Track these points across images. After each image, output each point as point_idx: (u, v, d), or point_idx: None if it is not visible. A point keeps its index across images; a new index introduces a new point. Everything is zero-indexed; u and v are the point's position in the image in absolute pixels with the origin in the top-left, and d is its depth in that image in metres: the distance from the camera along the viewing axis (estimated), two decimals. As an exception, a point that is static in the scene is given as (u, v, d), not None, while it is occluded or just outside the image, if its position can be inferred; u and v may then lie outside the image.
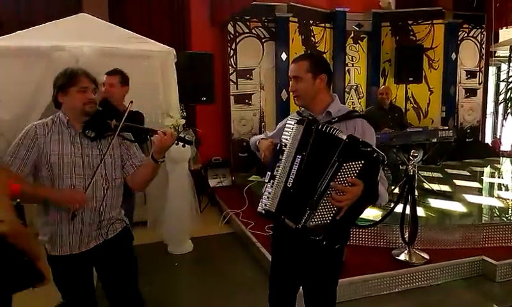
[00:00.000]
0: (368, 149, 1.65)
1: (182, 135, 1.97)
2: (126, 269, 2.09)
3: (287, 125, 1.85)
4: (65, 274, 1.97)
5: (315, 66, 1.92)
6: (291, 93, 1.98)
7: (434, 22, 7.18)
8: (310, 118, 1.84)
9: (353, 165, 1.65)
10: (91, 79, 1.95)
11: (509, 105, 7.90)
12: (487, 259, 3.51)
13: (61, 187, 1.86)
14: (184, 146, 2.00)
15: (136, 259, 2.14)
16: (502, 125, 8.46)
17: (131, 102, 2.03)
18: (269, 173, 1.81)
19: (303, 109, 2.02)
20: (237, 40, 6.40)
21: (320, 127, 1.73)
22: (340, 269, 2.08)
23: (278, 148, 1.82)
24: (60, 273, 1.97)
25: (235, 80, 6.47)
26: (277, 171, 1.79)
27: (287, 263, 2.06)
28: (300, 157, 1.74)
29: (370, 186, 1.68)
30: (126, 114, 1.96)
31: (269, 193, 1.80)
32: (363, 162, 1.64)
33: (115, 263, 2.05)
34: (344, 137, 1.67)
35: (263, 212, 1.83)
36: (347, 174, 1.66)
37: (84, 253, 1.94)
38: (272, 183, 1.79)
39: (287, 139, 1.80)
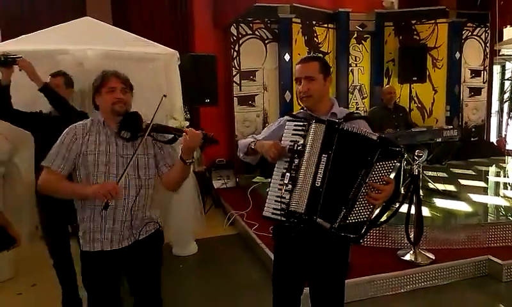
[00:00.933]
0: (397, 149, 1.72)
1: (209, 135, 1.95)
2: (153, 271, 2.13)
3: (287, 126, 1.86)
4: (94, 271, 2.01)
5: (325, 67, 1.98)
6: (299, 93, 1.97)
7: (438, 21, 7.15)
8: (323, 118, 1.84)
9: (386, 164, 1.72)
10: (121, 79, 1.99)
11: (514, 103, 7.86)
12: (493, 259, 3.49)
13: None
14: (209, 145, 1.99)
15: (161, 262, 2.18)
16: (507, 124, 8.40)
17: (164, 95, 2.05)
18: (287, 174, 1.78)
19: (302, 110, 2.03)
20: (240, 42, 6.41)
21: (345, 127, 1.77)
22: (346, 268, 2.09)
23: (293, 147, 1.79)
24: (89, 269, 2.01)
25: (238, 82, 6.48)
26: (296, 171, 1.77)
27: (292, 265, 2.04)
28: (326, 156, 1.75)
29: (398, 184, 1.76)
30: (156, 112, 1.98)
31: (292, 194, 1.76)
32: (394, 161, 1.72)
33: (143, 264, 2.08)
34: (375, 138, 1.73)
35: (282, 213, 1.77)
36: (381, 173, 1.72)
37: (115, 251, 1.97)
38: (294, 184, 1.76)
39: (299, 139, 1.79)
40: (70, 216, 2.60)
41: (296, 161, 1.78)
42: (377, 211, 1.78)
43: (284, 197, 1.77)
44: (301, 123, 1.83)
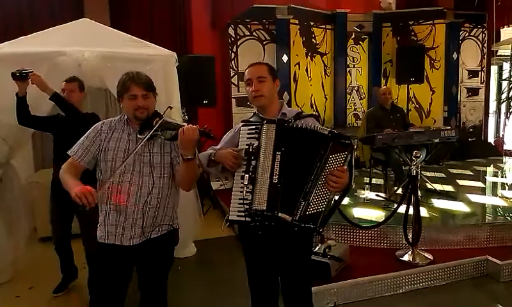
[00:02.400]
0: (347, 141, 1.80)
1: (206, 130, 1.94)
2: (161, 271, 2.15)
3: (241, 131, 1.95)
4: (107, 263, 2.05)
5: (272, 70, 2.10)
6: (251, 93, 2.04)
7: (435, 21, 7.16)
8: (276, 119, 1.92)
9: (338, 156, 1.79)
10: (141, 85, 1.99)
11: (511, 103, 7.88)
12: (491, 259, 3.50)
13: (113, 181, 1.95)
14: (205, 140, 1.98)
15: (171, 262, 2.22)
16: (505, 124, 8.44)
17: (170, 107, 2.15)
18: (246, 176, 1.86)
19: (254, 115, 2.11)
20: (238, 43, 6.41)
21: (294, 125, 1.87)
22: (310, 258, 2.16)
23: (249, 150, 1.87)
24: (102, 260, 2.06)
25: (236, 83, 6.47)
26: (254, 172, 1.85)
27: (263, 263, 2.12)
28: (280, 153, 1.84)
29: (351, 173, 1.83)
30: (163, 114, 2.04)
31: (253, 194, 1.84)
32: (345, 152, 1.79)
33: (152, 263, 2.10)
34: (327, 132, 1.82)
35: (245, 213, 1.84)
36: (334, 164, 1.79)
37: (127, 248, 1.99)
38: (254, 184, 1.84)
39: (254, 141, 1.87)
40: (76, 209, 2.84)
41: (253, 162, 1.86)
42: (332, 201, 1.85)
43: (246, 198, 1.85)
44: (254, 126, 1.92)
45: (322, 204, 1.79)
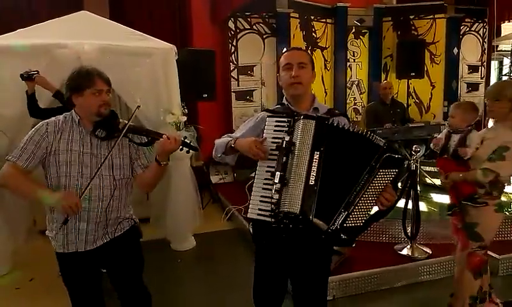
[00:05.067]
0: (401, 157, 1.69)
1: (187, 140, 1.93)
2: (132, 267, 2.11)
3: (271, 121, 1.79)
4: (72, 271, 1.99)
5: (312, 60, 1.97)
6: (289, 78, 1.88)
7: (436, 16, 7.14)
8: (304, 113, 1.77)
9: (388, 172, 1.68)
10: (105, 81, 1.93)
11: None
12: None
13: (67, 186, 1.85)
14: (188, 151, 1.97)
15: (142, 257, 2.16)
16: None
17: (138, 106, 2.06)
18: (278, 174, 1.69)
19: (281, 105, 1.97)
20: (238, 36, 6.38)
21: (335, 123, 1.72)
22: (329, 265, 2.06)
23: (281, 145, 1.71)
24: (67, 270, 1.99)
25: (236, 77, 6.45)
26: (285, 170, 1.68)
27: (275, 266, 1.99)
28: (318, 153, 1.68)
29: (400, 194, 1.76)
30: (133, 115, 2.00)
31: (281, 194, 1.68)
32: (396, 170, 1.69)
33: (122, 261, 2.06)
34: (382, 143, 1.69)
35: (272, 214, 1.69)
36: (383, 179, 1.68)
37: (90, 251, 1.95)
38: (284, 184, 1.68)
39: (284, 135, 1.72)
40: None
41: (284, 159, 1.70)
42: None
43: (273, 198, 1.69)
44: (285, 119, 1.76)
45: (361, 219, 1.70)
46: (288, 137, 1.71)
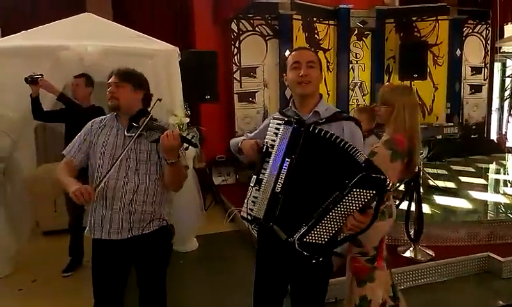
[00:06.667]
0: (381, 177, 1.51)
1: (188, 136, 1.90)
2: (157, 266, 2.16)
3: (270, 124, 1.76)
4: (99, 258, 2.07)
5: (319, 61, 1.94)
6: (298, 77, 1.82)
7: (439, 18, 7.13)
8: (296, 118, 1.74)
9: (363, 192, 1.52)
10: (117, 74, 2.03)
11: (514, 101, 7.85)
12: (493, 255, 3.49)
13: (99, 175, 1.96)
14: (187, 148, 1.99)
15: (168, 258, 2.25)
16: (508, 121, 8.40)
17: (159, 99, 2.09)
18: (254, 176, 1.71)
19: (288, 107, 1.95)
20: (241, 38, 6.40)
21: (318, 131, 1.63)
22: (329, 276, 2.00)
23: (264, 149, 1.71)
24: (95, 256, 2.08)
25: (238, 79, 6.47)
26: (263, 174, 1.69)
27: (276, 269, 1.96)
28: (289, 160, 1.63)
29: (374, 219, 1.57)
30: (152, 107, 2.04)
31: (255, 198, 1.70)
32: (373, 192, 1.52)
33: (148, 258, 2.11)
34: (362, 160, 1.53)
35: (248, 217, 1.73)
36: (356, 200, 1.53)
37: (116, 242, 2.00)
38: (259, 188, 1.69)
39: (272, 140, 1.70)
40: None
41: (265, 163, 1.70)
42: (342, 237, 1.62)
43: (249, 200, 1.72)
44: (275, 123, 1.73)
45: (324, 237, 1.59)
46: (277, 141, 1.69)
